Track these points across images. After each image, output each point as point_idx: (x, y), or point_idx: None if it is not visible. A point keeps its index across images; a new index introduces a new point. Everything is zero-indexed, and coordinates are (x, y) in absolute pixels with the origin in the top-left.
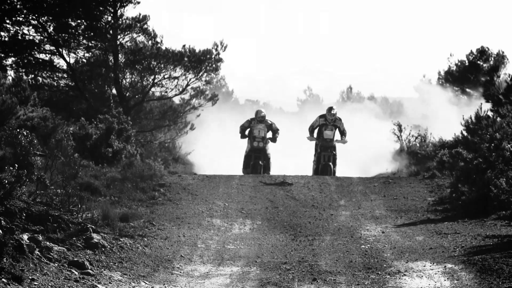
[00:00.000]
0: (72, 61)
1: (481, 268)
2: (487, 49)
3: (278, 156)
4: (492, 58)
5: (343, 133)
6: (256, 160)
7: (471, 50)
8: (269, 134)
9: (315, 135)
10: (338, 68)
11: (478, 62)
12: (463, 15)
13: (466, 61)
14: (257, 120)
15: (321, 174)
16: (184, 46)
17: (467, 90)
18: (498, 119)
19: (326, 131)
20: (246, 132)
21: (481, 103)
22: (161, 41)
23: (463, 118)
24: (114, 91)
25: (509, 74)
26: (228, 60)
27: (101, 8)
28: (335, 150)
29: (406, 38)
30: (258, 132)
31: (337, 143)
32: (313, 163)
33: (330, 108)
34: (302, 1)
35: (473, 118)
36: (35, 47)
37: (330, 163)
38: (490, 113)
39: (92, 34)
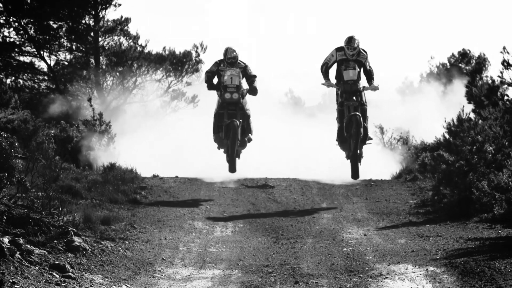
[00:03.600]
0: (53, 63)
1: (463, 271)
2: (468, 52)
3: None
4: (474, 61)
5: (369, 73)
6: (231, 119)
7: (453, 53)
8: (245, 84)
9: (332, 80)
10: (319, 70)
11: (460, 64)
12: (444, 17)
13: (448, 64)
14: (227, 62)
15: (347, 132)
16: (164, 48)
17: (449, 92)
18: (480, 121)
19: (346, 71)
20: (215, 81)
21: (463, 106)
22: (146, 45)
23: (445, 121)
24: (95, 93)
25: (490, 77)
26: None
27: (82, 10)
28: (362, 98)
29: (388, 41)
30: (230, 80)
31: (365, 91)
32: (336, 121)
33: (350, 38)
34: (286, 5)
35: (455, 120)
36: (16, 49)
37: (358, 113)
38: (472, 116)
39: (73, 36)
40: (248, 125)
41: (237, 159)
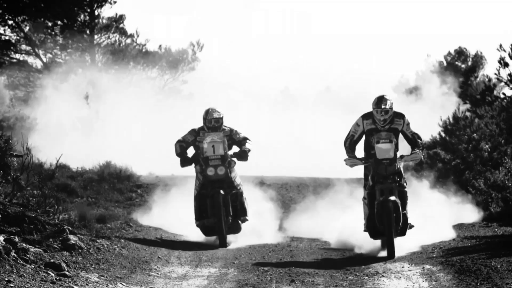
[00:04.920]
0: (48, 61)
1: (459, 269)
2: (465, 50)
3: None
4: (470, 59)
5: (414, 141)
6: (216, 204)
7: (449, 51)
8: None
9: (359, 153)
10: (315, 68)
11: (456, 62)
12: (440, 15)
13: (444, 62)
14: (208, 126)
15: (380, 223)
16: (160, 46)
17: (446, 90)
18: (476, 119)
19: (379, 146)
20: (190, 152)
21: (459, 104)
22: (145, 44)
23: (441, 119)
24: (91, 91)
25: (487, 75)
26: (207, 61)
27: (77, 8)
28: (401, 178)
29: (385, 39)
30: (211, 149)
31: (403, 163)
32: (363, 203)
33: (380, 99)
34: (282, 3)
35: (451, 118)
36: (11, 47)
37: (393, 198)
38: (468, 114)
39: (68, 34)
40: (241, 205)
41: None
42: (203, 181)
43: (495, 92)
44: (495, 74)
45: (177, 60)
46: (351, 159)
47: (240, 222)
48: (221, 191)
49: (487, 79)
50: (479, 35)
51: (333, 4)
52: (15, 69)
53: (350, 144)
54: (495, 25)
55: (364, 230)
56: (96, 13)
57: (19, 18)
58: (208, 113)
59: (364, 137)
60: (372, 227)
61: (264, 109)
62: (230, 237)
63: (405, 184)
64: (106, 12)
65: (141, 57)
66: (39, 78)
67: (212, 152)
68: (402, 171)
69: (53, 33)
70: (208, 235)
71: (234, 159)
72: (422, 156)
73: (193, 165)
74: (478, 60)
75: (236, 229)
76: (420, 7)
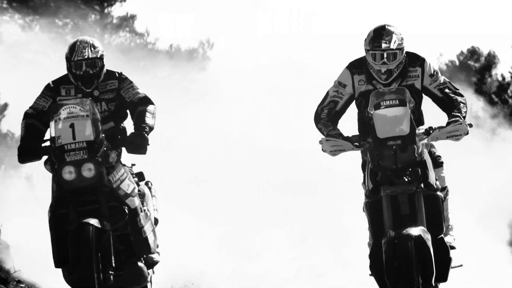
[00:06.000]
0: (58, 60)
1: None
2: (477, 49)
3: None
4: (483, 58)
5: (446, 101)
6: (83, 246)
7: (461, 50)
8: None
9: (344, 130)
10: (323, 67)
11: (469, 62)
12: (453, 14)
13: (457, 61)
14: (75, 75)
15: (392, 281)
16: (171, 45)
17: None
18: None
19: (381, 110)
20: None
21: (471, 104)
22: (155, 43)
23: None
24: None
25: (501, 74)
26: (215, 60)
27: (87, 7)
28: (427, 172)
29: None
30: (70, 131)
31: (431, 142)
32: (368, 233)
33: (379, 32)
34: (289, 1)
35: None
36: (21, 47)
37: (416, 232)
38: (481, 113)
39: (78, 33)
40: (138, 234)
41: None
42: (59, 193)
43: (508, 91)
44: (510, 72)
45: (187, 60)
46: (332, 139)
47: (141, 265)
48: (91, 221)
49: (501, 78)
50: (492, 34)
51: (341, 3)
52: (26, 68)
53: (329, 114)
54: (509, 24)
55: (370, 273)
56: (106, 11)
57: (29, 17)
58: (75, 50)
59: (357, 108)
60: (379, 264)
61: (270, 107)
62: None
63: (437, 184)
64: (117, 11)
65: (151, 56)
66: (49, 77)
67: (71, 138)
68: (428, 161)
69: (63, 32)
70: None
71: (115, 153)
72: (468, 127)
73: (43, 159)
74: (491, 60)
75: (136, 278)
76: (432, 5)
